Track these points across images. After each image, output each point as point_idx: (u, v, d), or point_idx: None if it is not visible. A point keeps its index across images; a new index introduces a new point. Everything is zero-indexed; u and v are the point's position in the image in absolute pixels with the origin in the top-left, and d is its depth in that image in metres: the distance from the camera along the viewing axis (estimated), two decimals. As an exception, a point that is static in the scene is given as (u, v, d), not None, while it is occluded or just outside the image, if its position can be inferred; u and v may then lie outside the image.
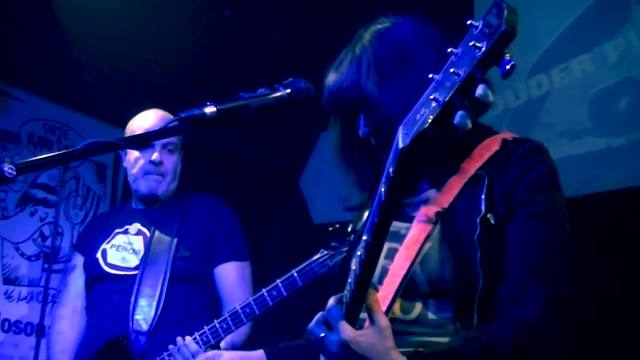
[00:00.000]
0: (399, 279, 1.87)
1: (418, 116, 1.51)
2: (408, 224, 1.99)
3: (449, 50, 1.45)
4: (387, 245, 1.99)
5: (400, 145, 1.54)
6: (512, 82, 4.99)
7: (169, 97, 5.31)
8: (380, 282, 1.94)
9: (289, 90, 1.79)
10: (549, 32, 4.96)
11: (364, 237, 1.70)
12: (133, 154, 3.59)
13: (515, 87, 4.98)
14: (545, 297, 1.78)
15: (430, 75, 1.49)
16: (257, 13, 5.64)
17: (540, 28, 5.00)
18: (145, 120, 3.61)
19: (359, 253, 1.73)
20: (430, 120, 1.45)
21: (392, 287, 1.87)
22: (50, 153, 1.58)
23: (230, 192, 5.32)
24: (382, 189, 1.62)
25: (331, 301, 1.80)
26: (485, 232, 1.84)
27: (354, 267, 1.76)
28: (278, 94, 1.77)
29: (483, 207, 1.87)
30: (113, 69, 5.35)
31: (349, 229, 2.36)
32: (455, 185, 1.96)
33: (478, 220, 1.85)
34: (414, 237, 1.91)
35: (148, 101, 4.59)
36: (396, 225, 2.05)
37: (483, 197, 1.89)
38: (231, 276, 3.58)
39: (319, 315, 1.84)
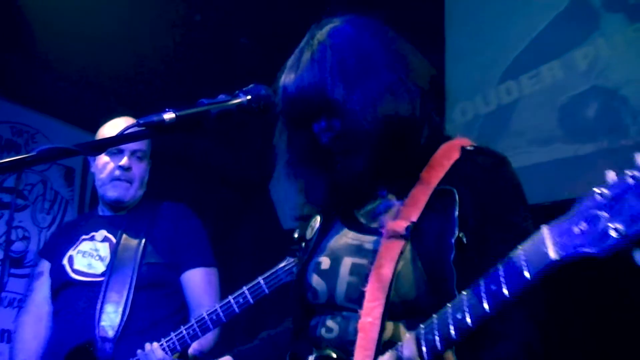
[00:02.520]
0: (382, 303, 1.82)
1: (576, 229, 1.41)
2: (371, 237, 1.95)
3: (626, 172, 1.35)
4: (350, 260, 1.96)
5: (553, 256, 1.45)
6: (482, 88, 5.01)
7: (139, 101, 5.28)
8: (351, 300, 1.91)
9: (249, 97, 1.77)
10: (520, 39, 4.98)
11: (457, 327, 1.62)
12: (102, 159, 3.57)
13: (485, 93, 5.00)
14: (530, 317, 1.79)
15: (597, 190, 1.39)
16: (228, 18, 5.62)
17: (510, 34, 5.03)
18: (115, 128, 3.58)
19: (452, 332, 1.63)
20: (602, 250, 1.35)
21: (377, 312, 1.82)
22: (16, 156, 1.56)
23: (200, 197, 5.31)
24: (485, 303, 1.55)
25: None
26: (460, 253, 1.81)
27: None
28: (238, 100, 1.75)
29: (457, 228, 1.83)
30: (82, 72, 5.31)
31: (296, 236, 2.27)
32: (420, 198, 1.90)
33: (453, 242, 1.81)
34: (387, 257, 1.85)
35: (117, 105, 4.57)
36: (357, 237, 2.01)
37: (456, 215, 1.84)
38: (198, 282, 3.56)
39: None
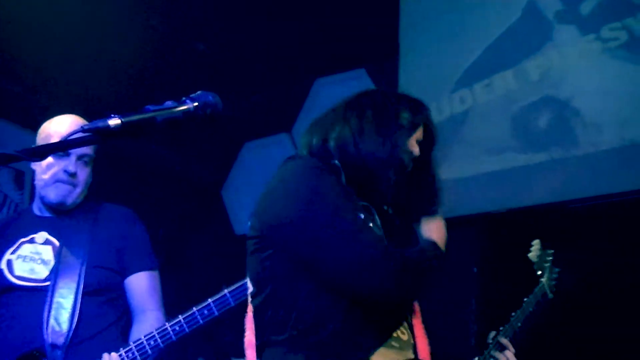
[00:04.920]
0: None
1: None
2: None
3: None
4: None
5: None
6: (435, 97, 5.03)
7: (90, 104, 5.22)
8: None
9: (196, 104, 1.74)
10: (473, 48, 5.02)
11: None
12: (46, 159, 3.48)
13: (438, 102, 5.03)
14: None
15: None
16: (184, 23, 5.59)
17: (464, 44, 5.07)
18: (62, 126, 3.49)
19: None
20: None
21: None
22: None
23: (150, 201, 5.25)
24: None
25: None
26: None
27: None
28: (184, 107, 1.72)
29: None
30: (31, 73, 5.25)
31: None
32: None
33: None
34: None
35: (68, 107, 4.51)
36: None
37: None
38: (143, 285, 3.52)
39: None
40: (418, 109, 2.43)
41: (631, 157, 4.21)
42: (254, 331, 2.21)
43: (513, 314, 3.19)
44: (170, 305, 3.54)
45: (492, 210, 4.69)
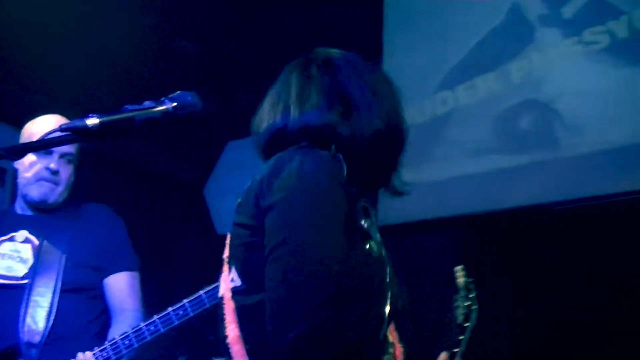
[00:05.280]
0: None
1: None
2: None
3: None
4: None
5: None
6: (418, 98, 5.03)
7: (81, 104, 5.20)
8: None
9: (175, 104, 1.74)
10: (457, 50, 5.03)
11: None
12: (28, 157, 3.48)
13: (420, 103, 5.03)
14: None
15: None
16: (174, 22, 5.58)
17: (447, 45, 5.07)
18: (45, 126, 3.50)
19: None
20: None
21: None
22: None
23: (131, 200, 5.23)
24: None
25: None
26: None
27: None
28: (163, 107, 1.72)
29: None
30: (22, 72, 5.23)
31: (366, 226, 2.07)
32: None
33: None
34: None
35: (58, 106, 4.50)
36: None
37: None
38: (122, 285, 3.52)
39: None
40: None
41: (613, 160, 4.22)
42: (238, 325, 1.89)
43: (461, 337, 3.31)
44: (151, 305, 3.53)
45: (474, 212, 4.70)
